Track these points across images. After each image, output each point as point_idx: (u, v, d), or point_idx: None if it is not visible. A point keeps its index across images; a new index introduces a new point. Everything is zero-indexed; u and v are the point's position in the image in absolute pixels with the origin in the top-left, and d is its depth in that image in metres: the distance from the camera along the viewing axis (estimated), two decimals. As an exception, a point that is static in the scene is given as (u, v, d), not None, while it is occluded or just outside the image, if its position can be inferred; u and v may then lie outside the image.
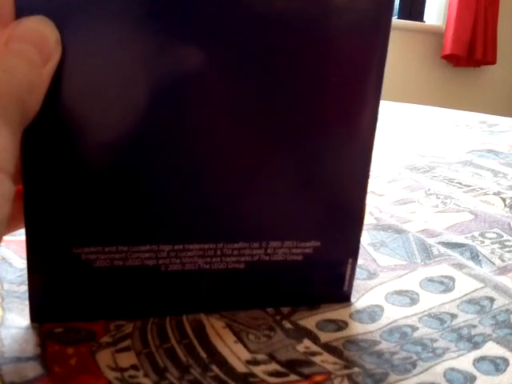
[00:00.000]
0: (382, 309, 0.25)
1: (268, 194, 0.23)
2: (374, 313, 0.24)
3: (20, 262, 0.27)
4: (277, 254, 0.23)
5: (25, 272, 0.26)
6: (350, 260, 0.25)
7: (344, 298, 0.25)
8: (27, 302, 0.23)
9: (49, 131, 0.19)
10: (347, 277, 0.25)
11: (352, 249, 0.25)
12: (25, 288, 0.24)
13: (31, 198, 0.20)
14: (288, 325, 0.23)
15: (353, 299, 0.26)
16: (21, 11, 0.17)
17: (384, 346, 0.22)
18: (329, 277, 0.25)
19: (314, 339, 0.22)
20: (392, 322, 0.24)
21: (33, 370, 0.19)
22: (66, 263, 0.21)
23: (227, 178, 0.22)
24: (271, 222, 0.23)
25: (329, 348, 0.22)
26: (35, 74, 0.17)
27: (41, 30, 0.17)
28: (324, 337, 0.22)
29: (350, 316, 0.24)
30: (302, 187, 0.23)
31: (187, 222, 0.22)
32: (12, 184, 0.16)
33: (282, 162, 0.22)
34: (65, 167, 0.20)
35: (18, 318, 0.22)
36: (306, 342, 0.22)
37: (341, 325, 0.23)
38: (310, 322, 0.23)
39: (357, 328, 0.23)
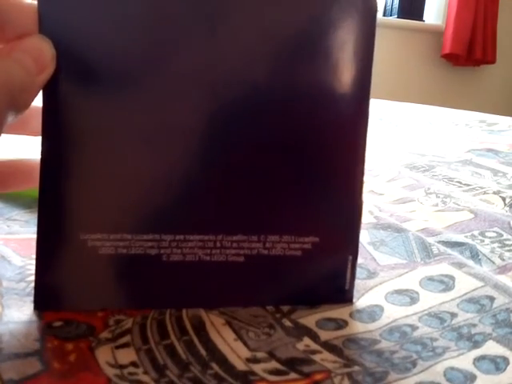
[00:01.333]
0: (381, 308, 0.25)
1: (266, 189, 0.23)
2: (373, 312, 0.24)
3: (19, 260, 0.27)
4: (275, 249, 0.24)
5: (24, 270, 0.26)
6: (350, 257, 0.25)
7: (346, 298, 0.25)
8: (26, 299, 0.23)
9: (65, 131, 0.21)
10: (348, 276, 0.25)
11: (351, 246, 0.25)
12: (24, 285, 0.24)
13: (46, 185, 0.21)
14: (288, 323, 0.23)
15: (354, 299, 0.25)
16: (44, 27, 0.20)
17: (384, 345, 0.22)
18: (329, 275, 0.25)
19: (314, 337, 0.22)
20: (392, 322, 0.24)
21: (32, 366, 0.19)
22: (74, 248, 0.22)
23: (228, 174, 0.23)
24: (269, 216, 0.23)
25: (329, 346, 0.21)
26: (28, 78, 0.20)
27: (40, 46, 0.20)
28: (324, 335, 0.22)
29: (350, 315, 0.24)
30: (299, 184, 0.23)
31: (188, 214, 0.23)
32: None
33: (281, 161, 0.23)
34: (77, 161, 0.22)
35: (17, 314, 0.22)
36: (306, 341, 0.22)
37: (341, 323, 0.23)
38: (309, 320, 0.23)
39: (357, 327, 0.23)
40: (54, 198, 0.22)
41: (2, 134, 0.20)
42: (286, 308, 0.24)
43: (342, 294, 0.25)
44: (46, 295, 0.22)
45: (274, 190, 0.23)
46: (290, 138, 0.23)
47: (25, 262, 0.27)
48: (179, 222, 0.23)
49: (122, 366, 0.19)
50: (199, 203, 0.23)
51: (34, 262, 0.26)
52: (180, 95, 0.22)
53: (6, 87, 0.19)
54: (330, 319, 0.24)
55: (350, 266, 0.25)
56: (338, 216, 0.24)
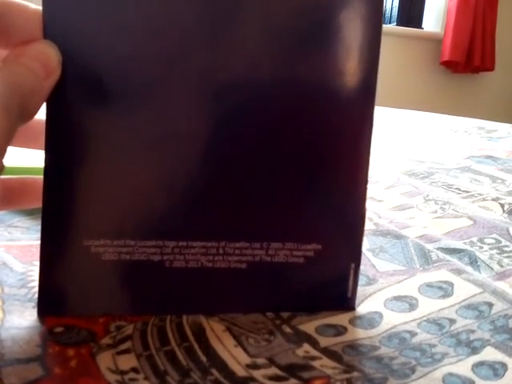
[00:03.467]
0: (380, 315, 0.25)
1: (269, 196, 0.23)
2: (373, 319, 0.25)
3: (20, 267, 0.27)
4: (278, 256, 0.24)
5: (25, 276, 0.26)
6: (353, 265, 0.25)
7: (348, 306, 0.25)
8: (28, 304, 0.23)
9: (68, 138, 0.21)
10: (350, 283, 0.25)
11: (354, 253, 0.25)
12: (25, 291, 0.24)
13: (50, 192, 0.22)
14: (288, 329, 0.23)
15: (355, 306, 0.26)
16: (49, 32, 0.21)
17: (383, 351, 0.22)
18: (331, 283, 0.25)
19: (314, 344, 0.22)
20: (391, 328, 0.24)
21: (33, 371, 0.19)
22: (77, 254, 0.22)
23: (231, 181, 0.23)
24: (272, 223, 0.24)
25: (328, 352, 0.22)
26: (37, 82, 0.20)
27: (46, 51, 0.20)
28: (323, 341, 0.22)
29: (350, 321, 0.24)
30: (303, 191, 0.23)
31: (191, 220, 0.23)
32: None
33: (285, 169, 0.23)
34: (80, 167, 0.22)
35: (19, 320, 0.22)
36: (306, 347, 0.22)
37: (340, 330, 0.23)
38: (309, 326, 0.23)
39: (356, 333, 0.23)
40: (58, 205, 0.22)
41: (15, 148, 0.20)
42: (285, 314, 0.24)
43: (344, 301, 0.25)
44: (49, 301, 0.22)
45: (277, 197, 0.23)
46: (293, 146, 0.23)
47: (26, 269, 0.27)
48: (182, 229, 0.23)
49: (122, 372, 0.19)
50: (202, 210, 0.23)
51: (35, 268, 0.26)
52: (184, 102, 0.22)
53: (17, 92, 0.19)
54: (329, 325, 0.24)
55: (352, 273, 0.25)
56: (341, 223, 0.24)
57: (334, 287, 0.25)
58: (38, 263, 0.22)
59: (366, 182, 0.24)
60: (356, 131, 0.24)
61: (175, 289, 0.23)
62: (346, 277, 0.25)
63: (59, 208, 0.22)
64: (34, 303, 0.23)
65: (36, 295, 0.24)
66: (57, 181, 0.22)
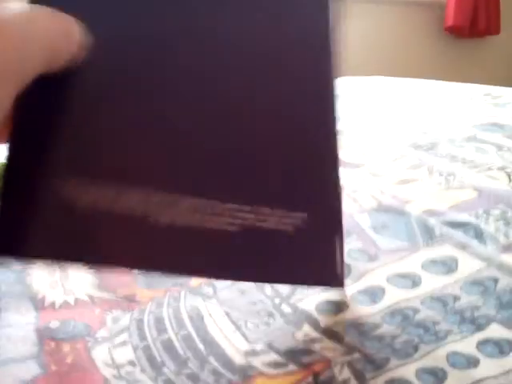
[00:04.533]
0: (383, 290, 0.24)
1: (251, 159, 0.23)
2: (375, 295, 0.24)
3: (17, 263, 0.27)
4: (268, 222, 0.23)
5: (21, 273, 0.26)
6: (337, 238, 0.24)
7: (337, 282, 0.24)
8: (23, 302, 0.23)
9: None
10: (337, 257, 0.24)
11: (336, 225, 0.24)
12: (21, 288, 0.24)
13: (20, 119, 0.20)
14: (287, 309, 0.23)
15: (353, 281, 0.25)
16: None
17: (385, 329, 0.22)
18: (318, 256, 0.24)
19: (314, 324, 0.22)
20: (393, 304, 0.23)
21: (30, 369, 0.19)
22: (44, 193, 0.20)
23: (218, 136, 0.22)
24: (258, 186, 0.23)
25: (329, 333, 0.21)
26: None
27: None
28: (324, 320, 0.22)
29: (351, 297, 0.24)
30: (278, 159, 0.23)
31: (179, 173, 0.22)
32: None
33: (263, 136, 0.23)
34: (57, 106, 0.20)
35: (14, 316, 0.22)
36: (306, 328, 0.21)
37: (341, 307, 0.23)
38: (309, 303, 0.23)
39: (358, 310, 0.23)
40: (26, 135, 0.20)
41: None
42: (284, 291, 0.24)
43: (332, 276, 0.24)
44: (8, 239, 0.20)
45: (258, 161, 0.23)
46: (265, 112, 0.23)
47: (22, 266, 0.26)
48: (169, 181, 0.21)
49: (119, 366, 0.19)
50: (190, 162, 0.22)
51: (31, 265, 0.26)
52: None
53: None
54: (330, 302, 0.23)
55: (338, 247, 0.24)
56: (319, 193, 0.24)
57: (321, 261, 0.24)
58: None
59: (335, 150, 0.23)
60: (315, 103, 0.23)
61: (159, 247, 0.22)
62: (333, 251, 0.24)
63: (28, 139, 0.20)
64: (30, 300, 0.23)
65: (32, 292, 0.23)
66: (28, 106, 0.20)
